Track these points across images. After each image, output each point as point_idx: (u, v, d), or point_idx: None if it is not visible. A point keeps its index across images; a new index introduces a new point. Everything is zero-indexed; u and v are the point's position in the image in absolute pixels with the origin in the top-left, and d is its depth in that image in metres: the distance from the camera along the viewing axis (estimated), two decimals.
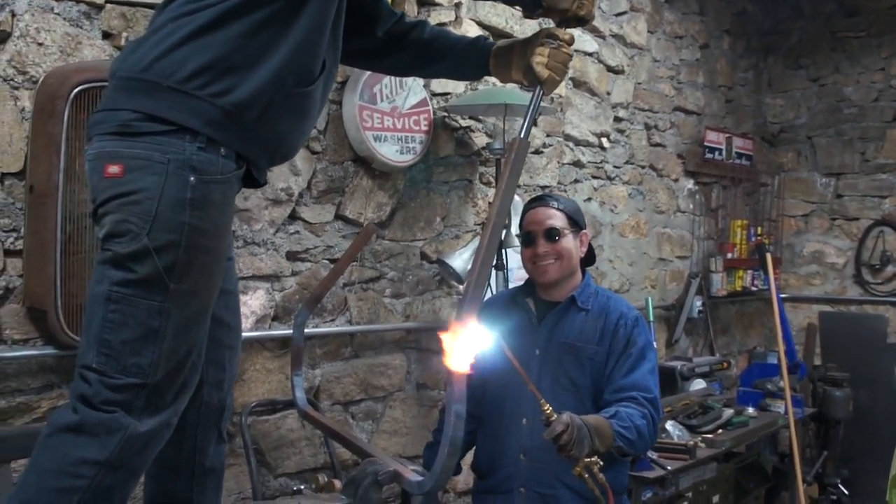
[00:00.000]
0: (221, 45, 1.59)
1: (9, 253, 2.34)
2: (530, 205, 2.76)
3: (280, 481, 3.05)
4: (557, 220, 2.66)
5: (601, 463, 2.15)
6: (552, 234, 2.64)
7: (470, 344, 1.68)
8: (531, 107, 1.79)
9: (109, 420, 1.54)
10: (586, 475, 2.13)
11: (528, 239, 2.70)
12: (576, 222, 2.71)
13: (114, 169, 1.56)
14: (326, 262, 3.14)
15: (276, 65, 1.64)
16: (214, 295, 1.70)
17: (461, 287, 3.65)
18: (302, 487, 2.63)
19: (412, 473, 1.95)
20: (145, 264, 1.55)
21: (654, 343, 4.23)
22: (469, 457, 2.83)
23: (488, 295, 3.37)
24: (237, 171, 1.67)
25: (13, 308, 2.35)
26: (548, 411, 2.10)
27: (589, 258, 2.78)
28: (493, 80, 2.96)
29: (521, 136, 1.77)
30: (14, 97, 2.34)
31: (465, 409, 2.66)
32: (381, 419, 3.39)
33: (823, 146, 5.96)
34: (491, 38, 2.12)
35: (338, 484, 2.42)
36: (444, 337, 1.74)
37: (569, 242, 2.66)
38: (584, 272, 2.76)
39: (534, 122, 1.84)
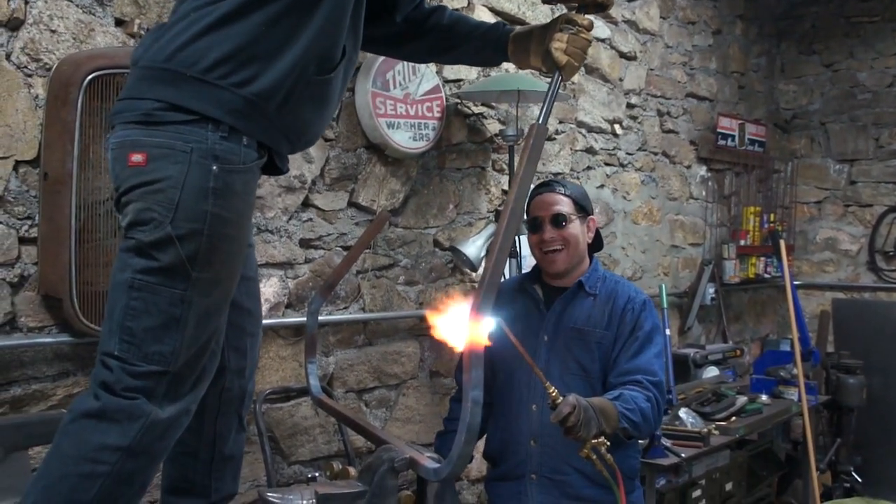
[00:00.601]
0: (243, 35, 1.60)
1: (23, 240, 2.35)
2: (537, 190, 2.75)
3: (294, 469, 3.06)
4: (564, 205, 2.66)
5: (608, 443, 2.15)
6: (559, 220, 2.64)
7: (486, 330, 1.69)
8: (550, 93, 1.79)
9: (131, 407, 1.55)
10: (594, 456, 2.13)
11: (534, 225, 2.69)
12: (583, 208, 2.70)
13: (137, 157, 1.57)
14: (339, 249, 3.14)
15: (298, 53, 1.64)
16: (235, 283, 1.71)
17: (474, 274, 3.66)
18: (316, 475, 2.63)
19: (428, 460, 1.96)
20: (168, 252, 1.56)
21: (668, 329, 4.23)
22: (481, 444, 2.84)
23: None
24: (259, 161, 1.68)
25: (28, 296, 2.36)
26: (553, 394, 2.10)
27: (597, 244, 2.79)
28: (506, 66, 2.97)
29: (540, 122, 1.76)
30: (28, 84, 2.34)
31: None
32: (394, 407, 3.40)
33: (837, 132, 5.93)
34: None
35: (352, 471, 2.41)
36: (461, 323, 1.75)
37: (575, 228, 2.66)
38: (592, 258, 2.76)
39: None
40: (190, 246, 1.57)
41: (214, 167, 1.57)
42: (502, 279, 3.43)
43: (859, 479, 5.03)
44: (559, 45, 1.82)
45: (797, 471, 4.79)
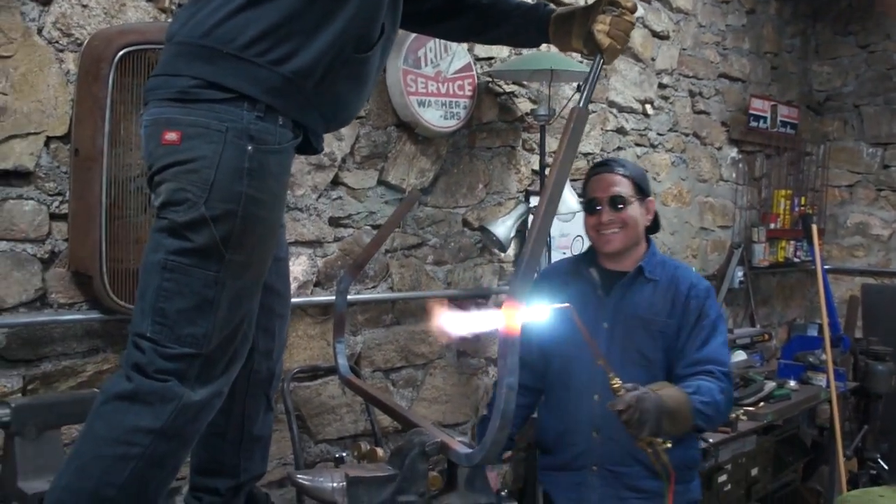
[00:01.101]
0: (281, 11, 1.56)
1: (54, 217, 2.34)
2: (595, 170, 2.67)
3: (321, 447, 3.05)
4: (623, 187, 2.57)
5: (666, 443, 2.07)
6: (616, 202, 2.55)
7: (524, 314, 1.66)
8: (591, 76, 1.74)
9: (163, 389, 1.53)
10: (649, 450, 2.07)
11: (591, 206, 2.60)
12: (641, 189, 2.61)
13: (171, 136, 1.53)
14: (369, 228, 3.11)
15: (336, 30, 1.60)
16: (268, 265, 1.69)
17: (503, 255, 3.63)
18: (344, 455, 2.62)
19: (460, 445, 1.93)
20: (202, 233, 1.53)
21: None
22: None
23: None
24: (294, 141, 1.64)
25: (59, 272, 2.35)
26: (615, 385, 2.04)
27: (654, 226, 2.69)
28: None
29: (581, 105, 1.72)
30: (59, 59, 2.32)
31: (518, 381, 2.60)
32: (421, 387, 3.38)
33: (871, 115, 5.82)
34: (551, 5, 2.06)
35: (380, 452, 2.40)
36: (498, 308, 1.72)
37: (634, 210, 2.56)
38: (649, 241, 2.68)
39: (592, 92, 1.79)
40: (224, 227, 1.54)
41: (250, 147, 1.54)
42: (551, 261, 3.40)
43: (885, 467, 4.97)
44: (602, 27, 1.77)
45: (823, 457, 4.74)
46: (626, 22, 1.78)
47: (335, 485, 1.90)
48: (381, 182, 3.15)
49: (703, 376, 2.37)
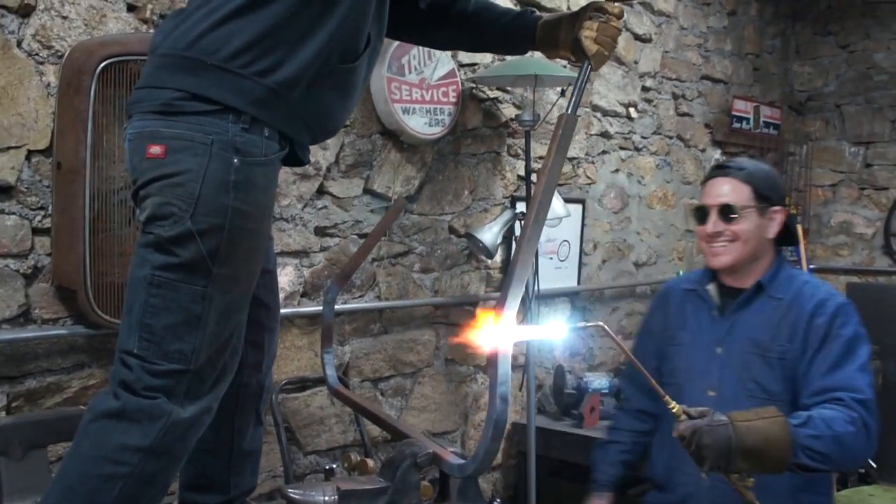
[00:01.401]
0: (266, 22, 1.54)
1: (37, 231, 2.31)
2: (711, 174, 2.40)
3: (310, 459, 3.03)
4: (737, 194, 2.26)
5: (747, 480, 1.83)
6: (726, 212, 2.25)
7: (514, 322, 1.65)
8: (579, 82, 1.73)
9: (152, 406, 1.51)
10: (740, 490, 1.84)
11: (700, 215, 2.33)
12: (764, 196, 2.27)
13: (155, 150, 1.52)
14: (355, 237, 3.09)
15: (322, 41, 1.58)
16: (256, 278, 1.67)
17: (490, 261, 3.62)
18: (334, 466, 2.60)
19: (452, 456, 1.92)
20: (188, 248, 1.51)
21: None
22: None
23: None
24: (280, 153, 1.63)
25: (42, 287, 2.33)
26: (674, 410, 1.82)
27: (787, 237, 2.36)
28: None
29: (569, 112, 1.71)
30: (39, 72, 2.29)
31: (638, 405, 2.56)
32: (410, 395, 3.37)
33: (852, 114, 5.85)
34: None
35: (371, 463, 2.38)
36: (488, 316, 1.70)
37: (749, 222, 2.24)
38: (779, 253, 2.35)
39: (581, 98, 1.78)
40: (210, 241, 1.52)
41: (235, 160, 1.52)
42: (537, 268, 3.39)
43: (874, 466, 4.98)
44: (589, 33, 1.76)
45: None
46: (613, 28, 1.78)
47: (327, 498, 1.88)
48: (366, 191, 3.13)
49: (831, 404, 2.01)
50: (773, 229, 2.29)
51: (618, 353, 4.42)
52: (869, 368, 2.11)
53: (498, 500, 2.03)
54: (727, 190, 2.27)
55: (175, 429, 1.53)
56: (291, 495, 1.88)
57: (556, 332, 1.83)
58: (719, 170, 2.35)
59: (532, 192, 3.38)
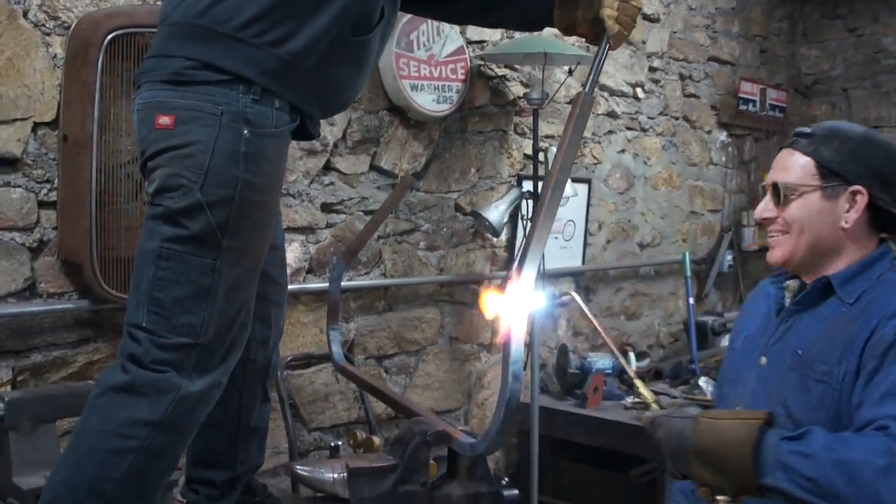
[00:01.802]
0: None
1: (42, 204, 2.28)
2: (785, 144, 1.86)
3: (314, 436, 3.02)
4: (792, 169, 1.74)
5: (715, 498, 1.52)
6: (776, 194, 1.75)
7: (526, 302, 1.62)
8: (597, 61, 1.70)
9: (160, 380, 1.49)
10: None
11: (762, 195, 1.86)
12: (832, 173, 1.70)
13: (165, 120, 1.49)
14: (361, 213, 3.07)
15: (335, 12, 1.55)
16: (265, 252, 1.64)
17: (495, 240, 3.59)
18: (339, 443, 2.59)
19: (462, 434, 1.90)
20: (198, 220, 1.49)
21: (691, 298, 4.14)
22: None
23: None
24: (291, 125, 1.60)
25: (47, 261, 2.30)
26: (648, 399, 1.71)
27: (883, 223, 1.75)
28: None
29: (587, 91, 1.68)
30: (45, 43, 2.26)
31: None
32: (414, 373, 3.34)
33: (859, 98, 5.80)
34: None
35: (376, 440, 2.37)
36: (498, 294, 1.68)
37: (804, 208, 1.72)
38: (883, 246, 1.77)
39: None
40: (220, 213, 1.49)
41: (246, 131, 1.50)
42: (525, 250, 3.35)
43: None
44: (610, 12, 1.72)
45: None
46: (634, 7, 1.74)
47: (336, 476, 1.87)
48: (373, 167, 3.10)
49: (869, 432, 1.49)
50: (851, 216, 1.70)
51: (620, 333, 4.40)
52: None
53: (505, 480, 2.00)
54: (785, 164, 1.77)
55: (184, 403, 1.51)
56: (300, 472, 1.87)
57: (534, 302, 1.73)
58: (791, 139, 1.83)
59: (539, 171, 3.36)
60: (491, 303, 1.76)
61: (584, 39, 1.91)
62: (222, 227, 1.50)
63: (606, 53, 1.74)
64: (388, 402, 2.59)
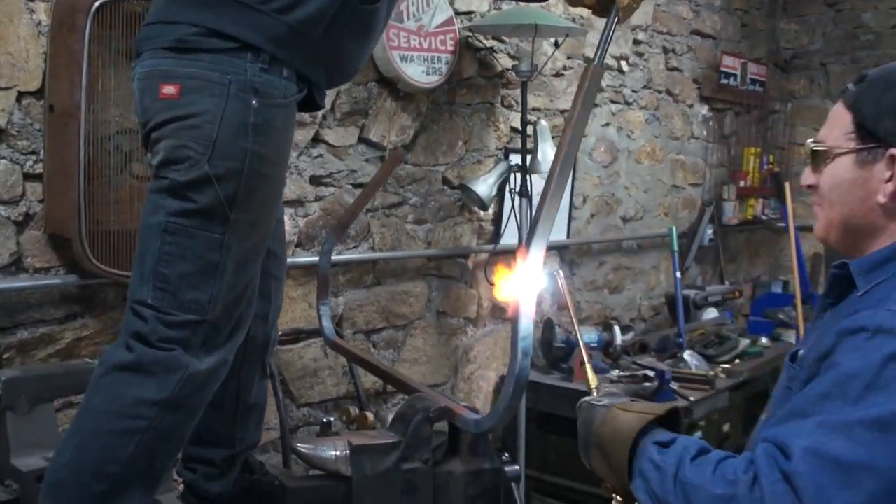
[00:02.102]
0: None
1: (28, 177, 2.22)
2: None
3: (304, 412, 2.98)
4: (834, 129, 1.39)
5: (614, 496, 1.43)
6: (814, 157, 1.42)
7: (536, 277, 1.60)
8: (606, 33, 1.66)
9: (168, 358, 1.45)
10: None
11: None
12: (869, 133, 1.33)
13: (169, 89, 1.43)
14: (350, 186, 3.02)
15: None
16: (273, 226, 1.60)
17: (483, 213, 3.56)
18: (332, 419, 2.55)
19: (466, 410, 1.88)
20: (206, 193, 1.44)
21: (678, 272, 4.14)
22: None
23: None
24: (298, 95, 1.55)
25: (34, 235, 2.24)
26: (592, 384, 1.54)
27: None
28: None
29: (596, 63, 1.65)
30: (29, 9, 2.18)
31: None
32: (402, 348, 3.31)
33: (837, 73, 5.80)
34: None
35: (370, 416, 2.34)
36: (509, 269, 1.65)
37: (837, 174, 1.37)
38: None
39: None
40: (229, 186, 1.45)
41: (254, 101, 1.45)
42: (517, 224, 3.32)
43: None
44: None
45: None
46: None
47: (338, 453, 1.84)
48: (361, 139, 3.05)
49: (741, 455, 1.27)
50: (888, 188, 1.32)
51: (603, 307, 4.40)
52: (852, 431, 1.14)
53: (506, 455, 1.99)
54: (829, 120, 1.44)
55: (192, 381, 1.47)
56: (302, 450, 1.84)
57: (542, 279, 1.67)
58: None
59: (528, 144, 3.33)
60: (502, 279, 1.73)
61: (590, 12, 1.86)
62: (231, 200, 1.45)
63: (616, 25, 1.70)
64: (382, 377, 2.56)
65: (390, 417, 2.47)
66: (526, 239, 1.60)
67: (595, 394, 1.50)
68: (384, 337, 3.25)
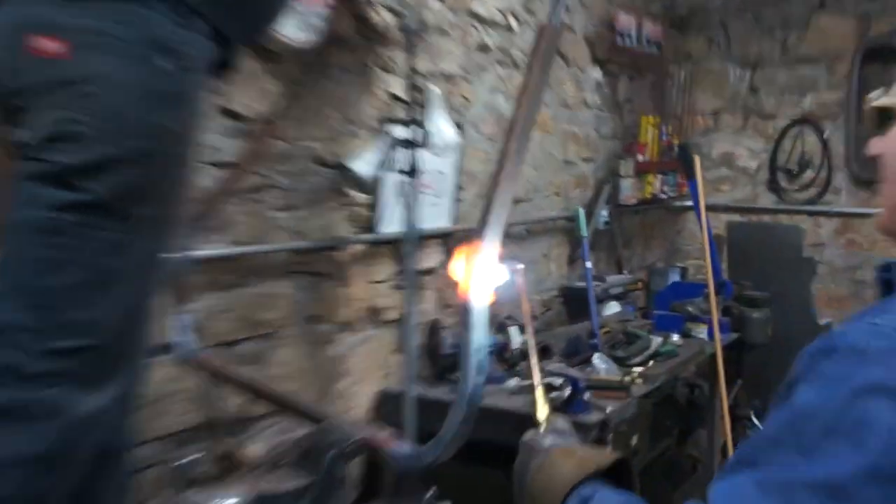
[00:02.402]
0: None
1: None
2: None
3: (152, 448, 2.81)
4: None
5: None
6: (883, 118, 1.28)
7: (490, 272, 1.56)
8: None
9: (45, 398, 1.31)
10: None
11: None
12: None
13: (51, 45, 1.29)
14: (209, 166, 2.87)
15: None
16: (181, 220, 1.48)
17: (357, 197, 3.48)
18: (198, 457, 2.42)
19: (393, 442, 1.82)
20: (102, 181, 1.31)
21: (588, 262, 4.16)
22: None
23: None
24: (214, 56, 1.44)
25: None
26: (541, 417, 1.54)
27: None
28: None
29: (552, 21, 1.62)
30: None
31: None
32: (268, 362, 3.20)
33: (739, 33, 6.03)
34: None
35: (253, 450, 2.24)
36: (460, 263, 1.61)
37: None
38: None
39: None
40: (131, 171, 1.32)
41: (168, 64, 1.33)
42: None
43: (760, 426, 5.22)
44: None
45: (698, 418, 4.92)
46: None
47: (234, 502, 1.74)
48: (222, 111, 2.91)
49: None
50: None
51: (498, 306, 4.39)
52: (800, 492, 1.00)
53: (434, 488, 1.94)
54: None
55: (78, 426, 1.34)
56: (194, 502, 1.73)
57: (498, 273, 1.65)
58: None
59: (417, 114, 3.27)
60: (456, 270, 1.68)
61: None
62: (133, 189, 1.33)
63: None
64: (272, 401, 2.45)
65: (252, 448, 2.36)
66: (479, 225, 1.56)
67: (543, 427, 1.49)
68: (247, 350, 3.13)
